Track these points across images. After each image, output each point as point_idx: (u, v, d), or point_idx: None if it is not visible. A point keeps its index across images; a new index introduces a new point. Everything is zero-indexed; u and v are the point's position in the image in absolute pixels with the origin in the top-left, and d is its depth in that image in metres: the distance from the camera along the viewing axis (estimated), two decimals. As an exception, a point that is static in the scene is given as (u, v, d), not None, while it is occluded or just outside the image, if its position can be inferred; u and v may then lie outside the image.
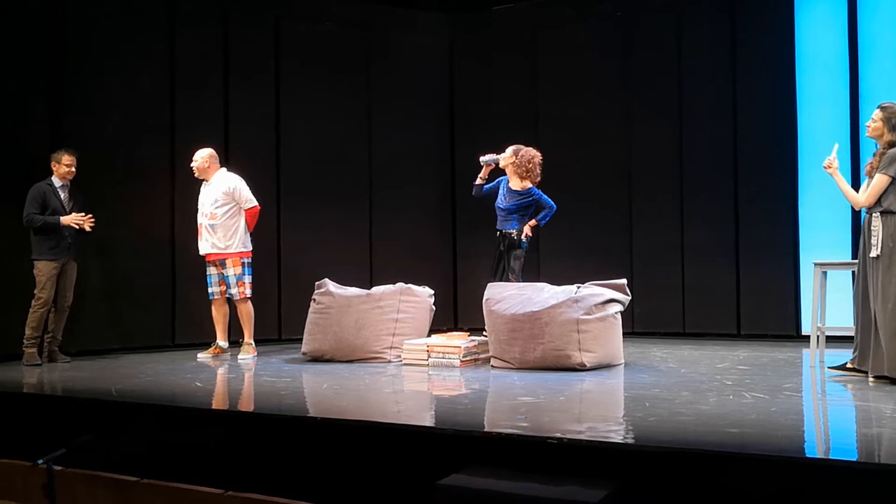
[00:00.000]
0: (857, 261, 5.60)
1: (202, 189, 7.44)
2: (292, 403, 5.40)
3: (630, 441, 4.04)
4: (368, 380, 6.09)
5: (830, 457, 3.77)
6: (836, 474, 3.40)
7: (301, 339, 7.28)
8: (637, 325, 8.66)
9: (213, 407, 5.28)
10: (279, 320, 8.42)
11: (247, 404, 5.62)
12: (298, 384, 6.15)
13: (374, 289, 7.34)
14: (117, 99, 7.97)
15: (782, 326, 8.19)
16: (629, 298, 6.63)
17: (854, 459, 3.63)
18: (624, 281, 6.67)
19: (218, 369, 6.75)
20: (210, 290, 7.41)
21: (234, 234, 7.34)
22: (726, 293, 8.44)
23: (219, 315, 7.45)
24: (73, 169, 7.15)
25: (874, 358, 5.29)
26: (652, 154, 8.87)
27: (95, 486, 3.36)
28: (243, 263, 7.37)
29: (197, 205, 7.44)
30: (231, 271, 7.34)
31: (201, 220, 7.39)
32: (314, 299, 7.28)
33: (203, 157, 7.39)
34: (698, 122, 8.66)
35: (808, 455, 3.74)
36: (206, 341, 7.63)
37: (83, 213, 7.10)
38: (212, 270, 7.38)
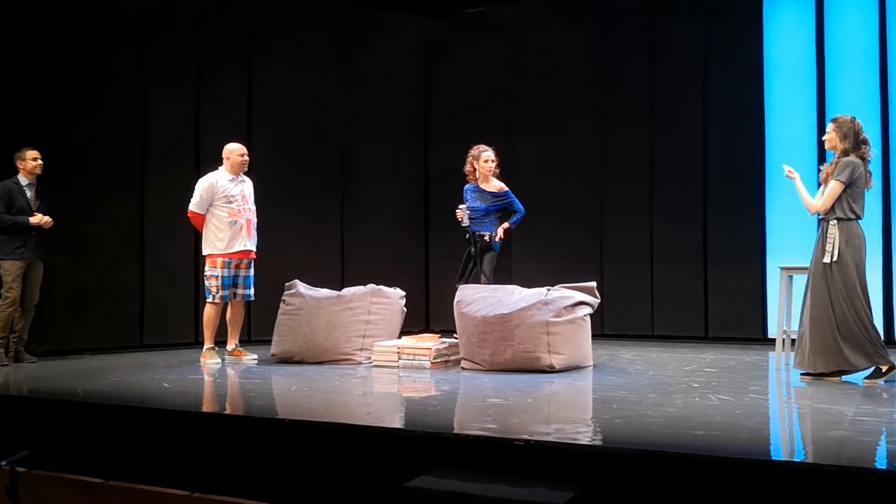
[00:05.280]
0: None
1: (234, 184, 7.06)
2: (261, 405, 5.38)
3: (597, 443, 4.07)
4: (338, 381, 6.08)
5: (795, 459, 3.82)
6: (801, 476, 3.45)
7: (270, 341, 7.25)
8: (606, 328, 8.71)
9: (182, 408, 5.23)
10: (248, 321, 8.37)
11: (215, 406, 5.60)
12: (267, 386, 6.12)
13: (345, 290, 7.31)
14: (88, 98, 7.88)
15: (749, 329, 8.28)
16: (598, 301, 6.67)
17: (818, 462, 3.68)
18: (593, 284, 6.71)
19: (213, 371, 6.71)
20: (224, 292, 7.01)
21: None
22: (694, 297, 8.53)
23: (220, 317, 7.10)
24: (40, 162, 7.07)
25: (823, 356, 5.47)
26: (623, 159, 8.95)
27: (60, 487, 3.32)
28: None
29: (227, 200, 7.02)
30: (252, 271, 7.18)
31: (248, 216, 7.09)
32: (284, 300, 7.25)
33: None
34: (668, 128, 8.75)
35: (773, 457, 3.78)
36: (175, 342, 7.57)
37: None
38: (226, 272, 7.00)
